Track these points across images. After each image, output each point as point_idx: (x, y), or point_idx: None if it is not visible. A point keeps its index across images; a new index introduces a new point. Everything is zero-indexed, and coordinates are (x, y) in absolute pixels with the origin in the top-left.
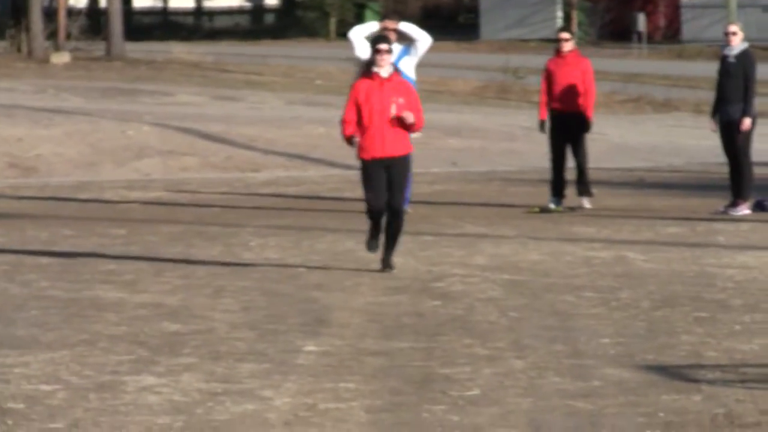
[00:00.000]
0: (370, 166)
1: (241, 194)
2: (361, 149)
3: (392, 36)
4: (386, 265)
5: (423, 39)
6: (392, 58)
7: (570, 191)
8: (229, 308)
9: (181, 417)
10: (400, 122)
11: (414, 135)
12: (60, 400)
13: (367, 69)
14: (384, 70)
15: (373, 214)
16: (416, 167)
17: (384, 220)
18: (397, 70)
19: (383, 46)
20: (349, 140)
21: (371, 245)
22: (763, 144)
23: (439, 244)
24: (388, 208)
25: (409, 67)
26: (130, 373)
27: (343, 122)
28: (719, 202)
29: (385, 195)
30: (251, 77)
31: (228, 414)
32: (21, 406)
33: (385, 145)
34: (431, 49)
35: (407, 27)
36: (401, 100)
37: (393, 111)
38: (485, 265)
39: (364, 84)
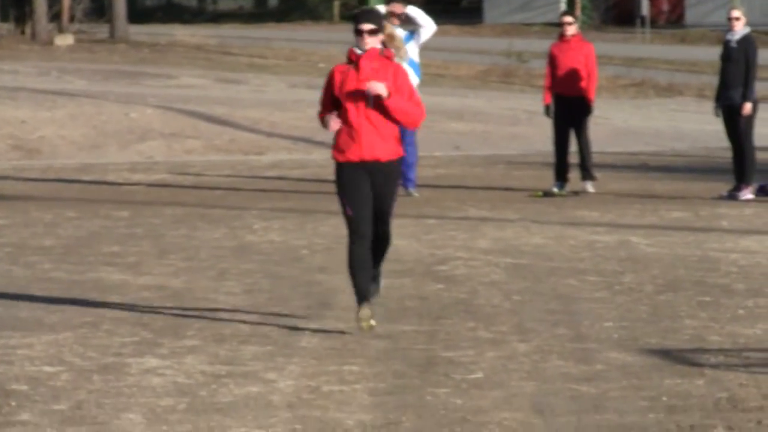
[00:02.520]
0: (347, 172)
1: (245, 177)
2: (335, 149)
3: (395, 21)
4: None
5: (428, 25)
6: (377, 41)
7: (573, 175)
8: (232, 291)
9: (185, 399)
10: (383, 111)
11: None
12: (63, 382)
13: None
14: (360, 50)
15: (354, 237)
16: (419, 151)
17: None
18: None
19: (365, 26)
20: (323, 121)
21: (362, 302)
22: (766, 128)
23: (443, 227)
24: (373, 233)
25: (413, 52)
26: (134, 355)
27: (318, 115)
28: (723, 187)
29: (370, 212)
30: (255, 60)
31: (231, 396)
32: (24, 387)
33: (363, 145)
34: (440, 33)
35: (414, 12)
36: (382, 83)
37: (371, 98)
38: (488, 248)
39: (343, 67)
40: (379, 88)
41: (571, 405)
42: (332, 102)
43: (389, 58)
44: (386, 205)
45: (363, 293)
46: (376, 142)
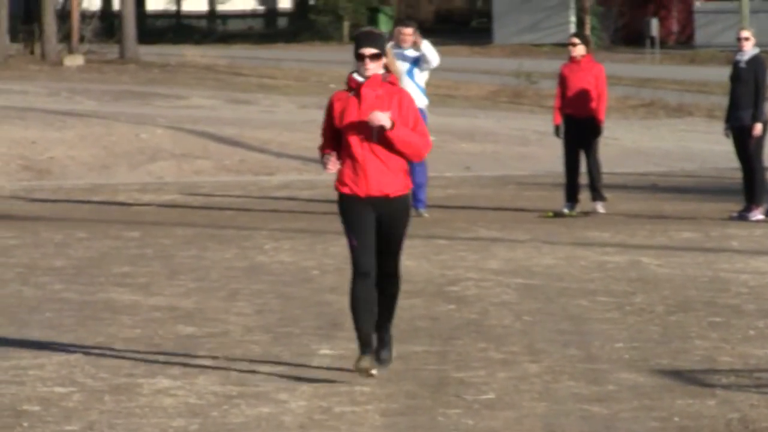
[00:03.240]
0: (351, 204)
1: (255, 197)
2: (340, 182)
3: (406, 44)
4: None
5: (434, 61)
6: (379, 67)
7: (584, 196)
8: (243, 311)
9: (197, 420)
10: (388, 144)
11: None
12: (75, 403)
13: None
14: (361, 77)
15: (357, 272)
16: (429, 171)
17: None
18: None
19: (367, 51)
20: (323, 158)
21: (365, 351)
22: None
23: (453, 248)
24: (378, 272)
25: (420, 77)
26: (145, 375)
27: (319, 148)
28: (733, 207)
29: (373, 244)
30: (264, 81)
31: (243, 417)
32: (36, 408)
33: (370, 180)
34: (444, 53)
35: (427, 48)
36: (386, 113)
37: (375, 131)
38: (499, 269)
39: (343, 95)
40: (382, 118)
41: (582, 426)
42: (333, 133)
43: (393, 83)
44: (394, 243)
45: (365, 339)
46: (383, 177)
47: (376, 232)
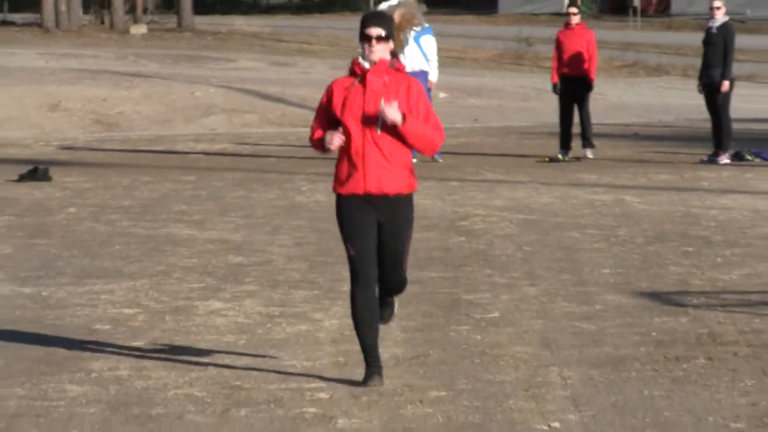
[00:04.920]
0: (349, 204)
1: (294, 146)
2: (336, 181)
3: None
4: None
5: (432, 68)
6: (387, 50)
7: (575, 143)
8: (284, 243)
9: (244, 336)
10: (394, 136)
11: (437, 157)
12: (140, 322)
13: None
14: (369, 62)
15: (357, 282)
16: (443, 123)
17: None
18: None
19: (373, 31)
20: (320, 143)
21: (371, 373)
22: (740, 103)
23: (464, 188)
24: (381, 285)
25: (431, 49)
26: (201, 299)
27: (310, 138)
28: (703, 153)
29: (374, 250)
30: (302, 46)
31: (284, 333)
32: (107, 327)
33: (369, 176)
34: (456, 22)
35: (429, 48)
36: (394, 104)
37: (380, 122)
38: (503, 206)
39: (345, 82)
40: (395, 114)
41: (573, 340)
42: (328, 124)
43: (401, 70)
44: (398, 246)
45: (371, 354)
46: (384, 174)
47: (378, 238)
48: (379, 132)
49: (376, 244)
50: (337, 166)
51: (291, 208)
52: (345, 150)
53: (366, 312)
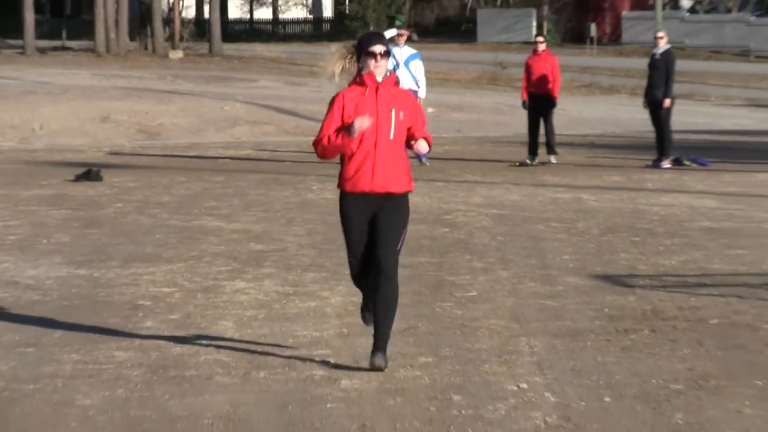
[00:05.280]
0: (352, 204)
1: (306, 152)
2: (343, 179)
3: (401, 40)
4: (374, 365)
5: (418, 84)
6: (389, 65)
7: (541, 151)
8: (297, 233)
9: (263, 311)
10: (398, 144)
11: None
12: (176, 299)
13: (357, 74)
14: (379, 75)
15: (352, 275)
16: (431, 134)
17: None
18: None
19: (378, 48)
20: (345, 132)
21: (367, 317)
22: (679, 117)
23: (447, 188)
24: (374, 268)
25: (419, 70)
26: (227, 279)
27: (316, 143)
28: (648, 159)
29: (365, 243)
30: (313, 69)
31: (297, 309)
32: (148, 303)
33: (375, 176)
34: (442, 49)
35: (417, 71)
36: (402, 115)
37: (393, 128)
38: (480, 203)
39: (353, 92)
40: (425, 147)
41: (539, 315)
42: (336, 131)
43: (397, 84)
44: (394, 235)
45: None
46: (390, 175)
47: (375, 226)
48: (391, 137)
49: (367, 233)
50: (344, 167)
51: (303, 204)
52: (355, 152)
53: (360, 285)
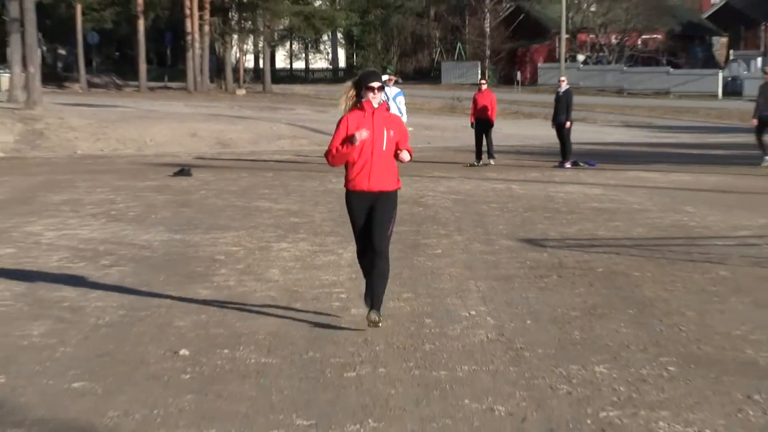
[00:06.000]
0: (354, 200)
1: None
2: (347, 180)
3: (391, 83)
4: (370, 319)
5: (403, 116)
6: (383, 96)
7: (484, 156)
8: (321, 211)
9: (299, 263)
10: (389, 153)
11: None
12: (241, 255)
13: (357, 100)
14: (375, 103)
15: (357, 251)
16: (411, 146)
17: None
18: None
19: (376, 84)
20: (349, 141)
21: (367, 300)
22: (576, 134)
23: (421, 181)
24: (370, 248)
25: (402, 104)
26: (275, 241)
27: (327, 153)
28: (555, 161)
29: (365, 229)
30: (333, 101)
31: (321, 261)
32: (222, 257)
33: (371, 179)
34: (418, 88)
35: (401, 104)
36: (392, 132)
37: (385, 142)
38: (444, 191)
39: (355, 115)
40: (407, 157)
41: (483, 265)
42: (342, 143)
43: (387, 110)
44: (384, 221)
45: (369, 295)
46: (383, 178)
47: (372, 216)
48: (384, 149)
49: (366, 222)
50: (348, 171)
51: (326, 191)
52: (356, 160)
53: (361, 264)
